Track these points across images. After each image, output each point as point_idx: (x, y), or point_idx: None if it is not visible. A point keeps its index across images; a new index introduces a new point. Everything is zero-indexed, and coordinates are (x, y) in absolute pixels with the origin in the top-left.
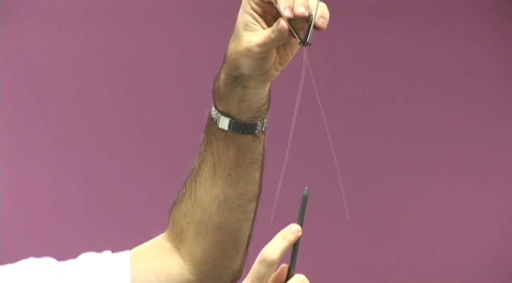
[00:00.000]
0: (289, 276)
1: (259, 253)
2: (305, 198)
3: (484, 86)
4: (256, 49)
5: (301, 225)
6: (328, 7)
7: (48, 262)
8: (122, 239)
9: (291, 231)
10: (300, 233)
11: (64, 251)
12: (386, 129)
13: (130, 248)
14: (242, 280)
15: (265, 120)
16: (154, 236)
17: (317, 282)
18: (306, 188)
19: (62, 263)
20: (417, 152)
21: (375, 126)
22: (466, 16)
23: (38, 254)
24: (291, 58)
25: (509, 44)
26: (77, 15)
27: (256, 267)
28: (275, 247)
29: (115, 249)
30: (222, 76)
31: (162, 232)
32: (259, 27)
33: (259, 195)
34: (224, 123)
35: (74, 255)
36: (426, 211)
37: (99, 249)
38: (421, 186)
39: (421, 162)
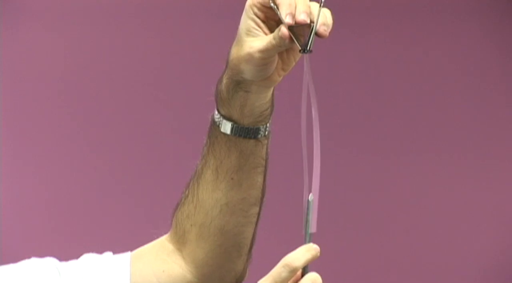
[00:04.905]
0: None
1: (283, 258)
2: (309, 204)
3: (484, 86)
4: (257, 55)
5: (308, 231)
6: (337, 15)
7: (50, 262)
8: (123, 240)
9: (314, 247)
10: (318, 253)
11: (65, 252)
12: (388, 131)
13: (131, 249)
14: None
15: (268, 125)
16: (156, 237)
17: None
18: (310, 193)
19: (63, 263)
20: (418, 153)
21: (377, 128)
22: (466, 16)
23: (38, 254)
24: (294, 64)
25: (509, 44)
26: (78, 15)
27: (278, 271)
28: (300, 255)
29: (116, 250)
30: (225, 80)
31: (165, 233)
32: (261, 33)
33: (262, 199)
34: (226, 127)
35: (74, 256)
36: (425, 212)
37: (100, 250)
38: (421, 188)
39: (421, 163)
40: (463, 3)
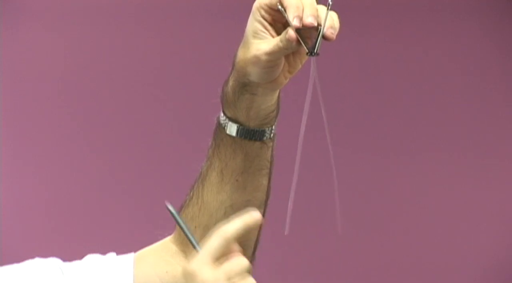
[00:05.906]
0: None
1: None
2: (170, 212)
3: (484, 86)
4: (264, 57)
5: (194, 245)
6: (339, 16)
7: (53, 262)
8: (125, 241)
9: (251, 215)
10: (259, 221)
11: (65, 252)
12: (388, 131)
13: (134, 250)
14: None
15: (273, 127)
16: (160, 239)
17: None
18: (166, 202)
19: (67, 263)
20: (418, 153)
21: (377, 127)
22: (466, 16)
23: (38, 254)
24: (300, 66)
25: (509, 44)
26: (78, 15)
27: (210, 241)
28: (232, 225)
29: (118, 251)
30: (231, 83)
31: (169, 234)
32: (268, 35)
33: (266, 201)
34: (232, 129)
35: (75, 256)
36: (425, 212)
37: (101, 251)
38: (421, 188)
39: (421, 163)
40: (463, 3)
